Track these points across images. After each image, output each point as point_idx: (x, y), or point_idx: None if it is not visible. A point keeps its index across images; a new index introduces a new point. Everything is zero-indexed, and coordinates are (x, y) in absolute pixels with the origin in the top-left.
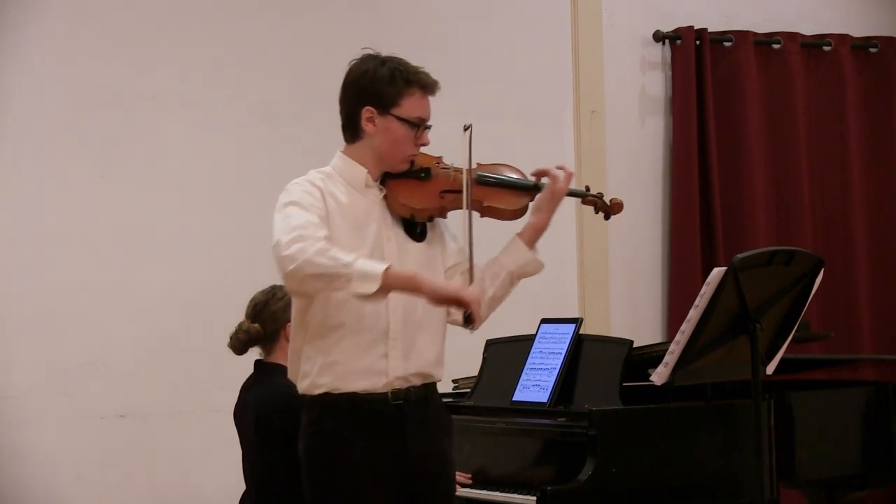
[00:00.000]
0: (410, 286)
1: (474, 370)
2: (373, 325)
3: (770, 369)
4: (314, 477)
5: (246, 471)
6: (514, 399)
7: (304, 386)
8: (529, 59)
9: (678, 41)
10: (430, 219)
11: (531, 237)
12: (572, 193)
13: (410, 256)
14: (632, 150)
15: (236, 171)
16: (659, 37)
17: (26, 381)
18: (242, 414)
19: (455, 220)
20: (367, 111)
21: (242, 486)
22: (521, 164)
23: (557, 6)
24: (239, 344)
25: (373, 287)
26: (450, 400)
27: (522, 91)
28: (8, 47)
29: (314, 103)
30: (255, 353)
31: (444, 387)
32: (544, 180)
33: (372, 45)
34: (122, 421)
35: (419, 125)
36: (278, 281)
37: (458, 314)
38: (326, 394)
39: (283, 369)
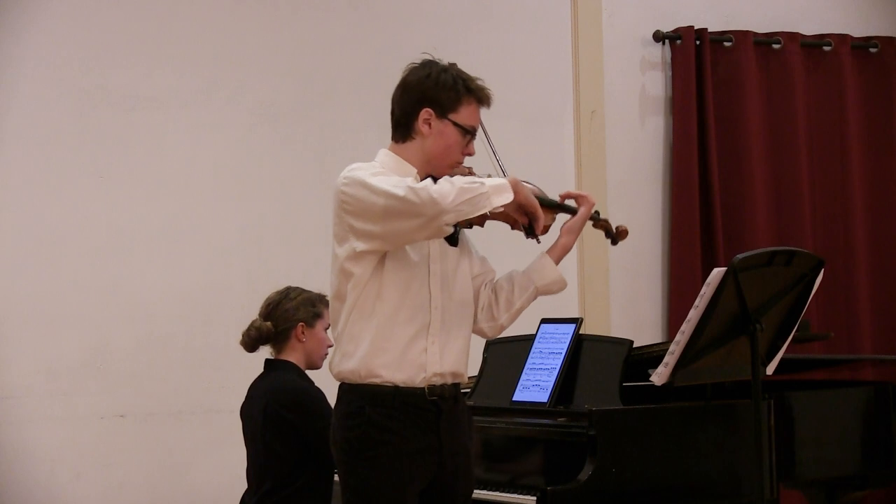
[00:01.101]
0: (516, 188)
1: (474, 370)
2: (415, 317)
3: (770, 370)
4: (355, 467)
5: (249, 470)
6: (514, 399)
7: (345, 369)
8: (529, 59)
9: (678, 41)
10: (470, 225)
11: (559, 257)
12: None
13: (449, 260)
14: (632, 150)
15: (236, 172)
16: (659, 37)
17: (26, 381)
18: (249, 409)
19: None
20: (426, 112)
21: (242, 486)
22: (521, 164)
23: (557, 6)
24: (250, 341)
25: (509, 195)
26: None
27: (522, 91)
28: (8, 47)
29: (314, 103)
30: (261, 354)
31: None
32: (569, 201)
33: (371, 46)
34: (122, 421)
35: (471, 134)
36: (276, 282)
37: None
38: (368, 384)
39: (293, 366)
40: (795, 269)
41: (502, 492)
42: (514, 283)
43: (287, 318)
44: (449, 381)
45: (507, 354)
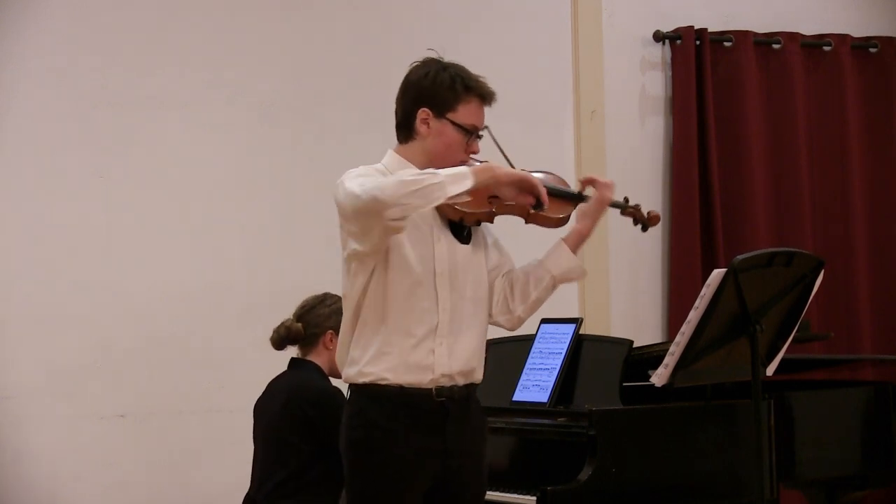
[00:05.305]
0: (490, 173)
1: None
2: (422, 319)
3: (770, 371)
4: (357, 467)
5: (255, 466)
6: (514, 399)
7: (351, 373)
8: (529, 59)
9: (678, 41)
10: (478, 223)
11: (576, 243)
12: (613, 204)
13: (458, 258)
14: (632, 150)
15: (236, 171)
16: (659, 37)
17: (26, 381)
18: (266, 403)
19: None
20: (423, 112)
21: (242, 486)
22: (521, 164)
23: (557, 6)
24: (278, 339)
25: (469, 182)
26: None
27: (522, 91)
28: (8, 47)
29: (314, 103)
30: (262, 354)
31: None
32: (588, 191)
33: (372, 45)
34: (122, 421)
35: (472, 132)
36: (276, 282)
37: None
38: (373, 384)
39: (317, 368)
40: (795, 270)
41: (502, 492)
42: (529, 273)
43: (318, 322)
44: (459, 381)
45: (507, 354)
